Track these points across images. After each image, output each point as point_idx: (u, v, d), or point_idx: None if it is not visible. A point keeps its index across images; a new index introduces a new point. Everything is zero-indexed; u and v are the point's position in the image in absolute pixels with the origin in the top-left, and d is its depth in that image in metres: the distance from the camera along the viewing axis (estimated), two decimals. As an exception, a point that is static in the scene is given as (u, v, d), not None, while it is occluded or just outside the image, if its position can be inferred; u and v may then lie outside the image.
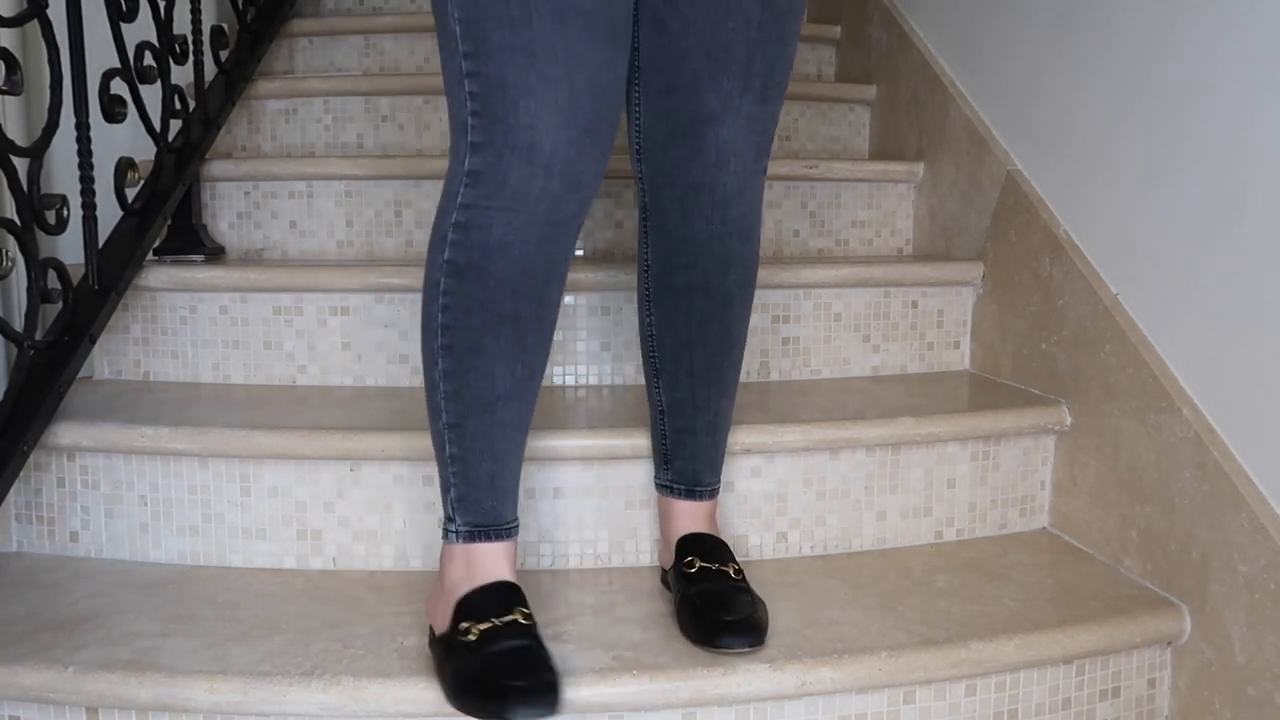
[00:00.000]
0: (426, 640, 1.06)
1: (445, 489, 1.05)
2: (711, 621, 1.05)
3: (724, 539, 1.18)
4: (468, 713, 0.93)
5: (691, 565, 1.12)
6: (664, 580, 1.20)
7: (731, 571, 1.11)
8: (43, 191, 1.25)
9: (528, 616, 0.99)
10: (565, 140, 0.94)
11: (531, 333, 1.01)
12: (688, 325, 1.13)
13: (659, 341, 1.16)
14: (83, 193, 1.37)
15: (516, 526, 1.06)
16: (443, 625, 1.01)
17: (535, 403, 1.06)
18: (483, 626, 0.97)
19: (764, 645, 1.05)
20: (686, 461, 1.18)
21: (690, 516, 1.18)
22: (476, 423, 1.02)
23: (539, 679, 0.92)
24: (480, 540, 1.04)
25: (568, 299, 1.54)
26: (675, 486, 1.19)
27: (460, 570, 1.03)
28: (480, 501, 1.04)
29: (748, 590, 1.10)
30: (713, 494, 1.20)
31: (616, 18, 0.97)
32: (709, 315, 1.13)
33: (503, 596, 1.00)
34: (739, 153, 1.06)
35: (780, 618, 1.14)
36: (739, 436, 1.29)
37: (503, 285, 0.98)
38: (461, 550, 1.04)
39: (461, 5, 0.92)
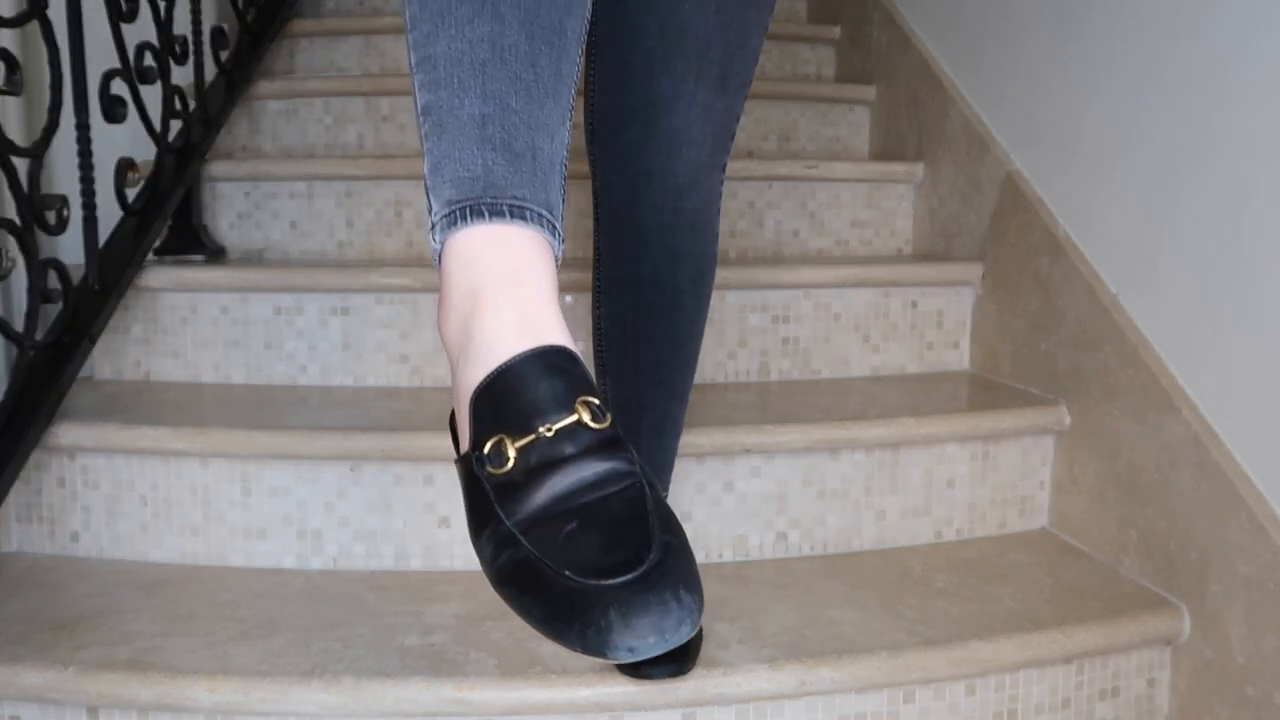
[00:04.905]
0: (427, 636, 1.07)
1: (426, 176, 0.62)
2: None
3: None
4: (554, 637, 0.53)
5: None
6: None
7: None
8: (43, 191, 1.25)
9: (600, 411, 0.57)
10: None
11: None
12: (635, 320, 1.08)
13: (607, 335, 1.11)
14: (83, 193, 1.37)
15: (546, 219, 0.60)
16: (462, 432, 0.60)
17: (562, 57, 0.62)
18: (523, 443, 0.56)
19: (688, 674, 0.99)
20: None
21: None
22: (452, 40, 0.60)
23: (662, 574, 0.52)
24: (465, 223, 0.58)
25: (567, 299, 1.54)
26: None
27: (457, 298, 0.59)
28: (465, 161, 0.59)
29: None
30: None
31: None
32: (657, 311, 1.08)
33: (547, 376, 0.57)
34: (692, 142, 1.02)
35: (780, 618, 1.14)
36: (739, 436, 1.29)
37: None
38: (447, 256, 0.59)
39: None
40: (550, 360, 0.57)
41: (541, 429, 0.55)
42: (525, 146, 0.60)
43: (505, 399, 0.56)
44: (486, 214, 0.58)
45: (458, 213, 0.58)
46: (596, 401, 0.57)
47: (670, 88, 1.00)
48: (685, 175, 1.04)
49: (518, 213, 0.58)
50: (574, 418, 0.56)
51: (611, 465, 0.56)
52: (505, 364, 0.56)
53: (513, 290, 0.57)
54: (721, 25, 1.00)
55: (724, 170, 1.09)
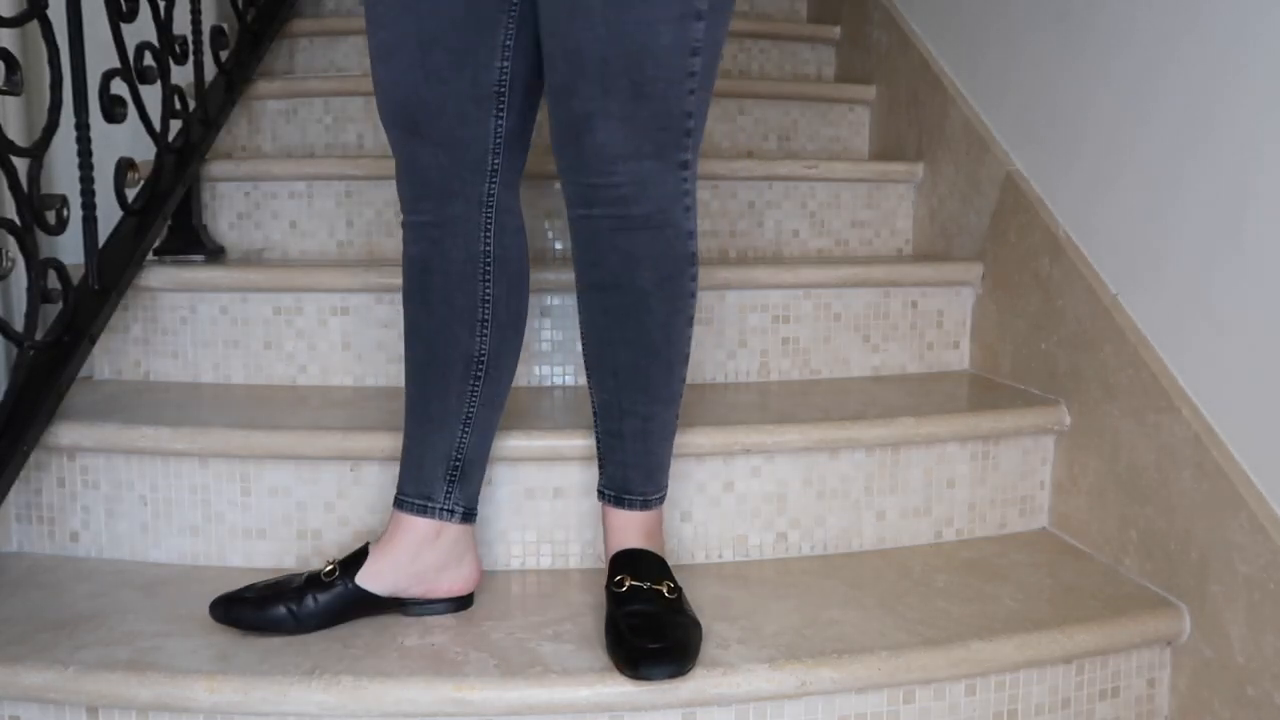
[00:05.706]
0: (427, 636, 1.07)
1: None
2: (634, 648, 1.00)
3: (663, 555, 1.14)
4: None
5: (621, 584, 1.08)
6: None
7: (665, 590, 1.07)
8: (43, 191, 1.25)
9: (334, 572, 1.11)
10: (402, 67, 1.05)
11: (422, 325, 1.13)
12: (606, 323, 1.11)
13: (586, 339, 1.14)
14: (83, 193, 1.37)
15: (418, 505, 1.13)
16: None
17: (447, 398, 1.12)
18: (330, 568, 1.12)
19: (688, 674, 1.00)
20: (616, 467, 1.15)
21: (623, 528, 1.15)
22: (407, 398, 1.16)
23: (256, 612, 1.09)
24: (394, 506, 1.15)
25: (568, 299, 1.54)
26: (605, 492, 1.16)
27: None
28: (400, 471, 1.15)
29: (681, 611, 1.07)
30: (644, 505, 1.15)
31: None
32: (625, 314, 1.09)
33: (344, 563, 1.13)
34: (625, 154, 1.01)
35: (780, 618, 1.14)
36: (739, 436, 1.29)
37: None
38: None
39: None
40: (363, 554, 1.12)
41: (330, 567, 1.12)
42: (416, 462, 1.13)
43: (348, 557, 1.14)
44: (398, 505, 1.14)
45: (394, 498, 1.15)
46: (336, 575, 1.11)
47: (581, 107, 1.01)
48: (629, 186, 1.03)
49: (403, 507, 1.13)
50: (335, 572, 1.11)
51: (327, 598, 1.10)
52: (357, 549, 1.14)
53: (385, 538, 1.13)
54: (613, 35, 0.98)
55: (687, 168, 1.06)
